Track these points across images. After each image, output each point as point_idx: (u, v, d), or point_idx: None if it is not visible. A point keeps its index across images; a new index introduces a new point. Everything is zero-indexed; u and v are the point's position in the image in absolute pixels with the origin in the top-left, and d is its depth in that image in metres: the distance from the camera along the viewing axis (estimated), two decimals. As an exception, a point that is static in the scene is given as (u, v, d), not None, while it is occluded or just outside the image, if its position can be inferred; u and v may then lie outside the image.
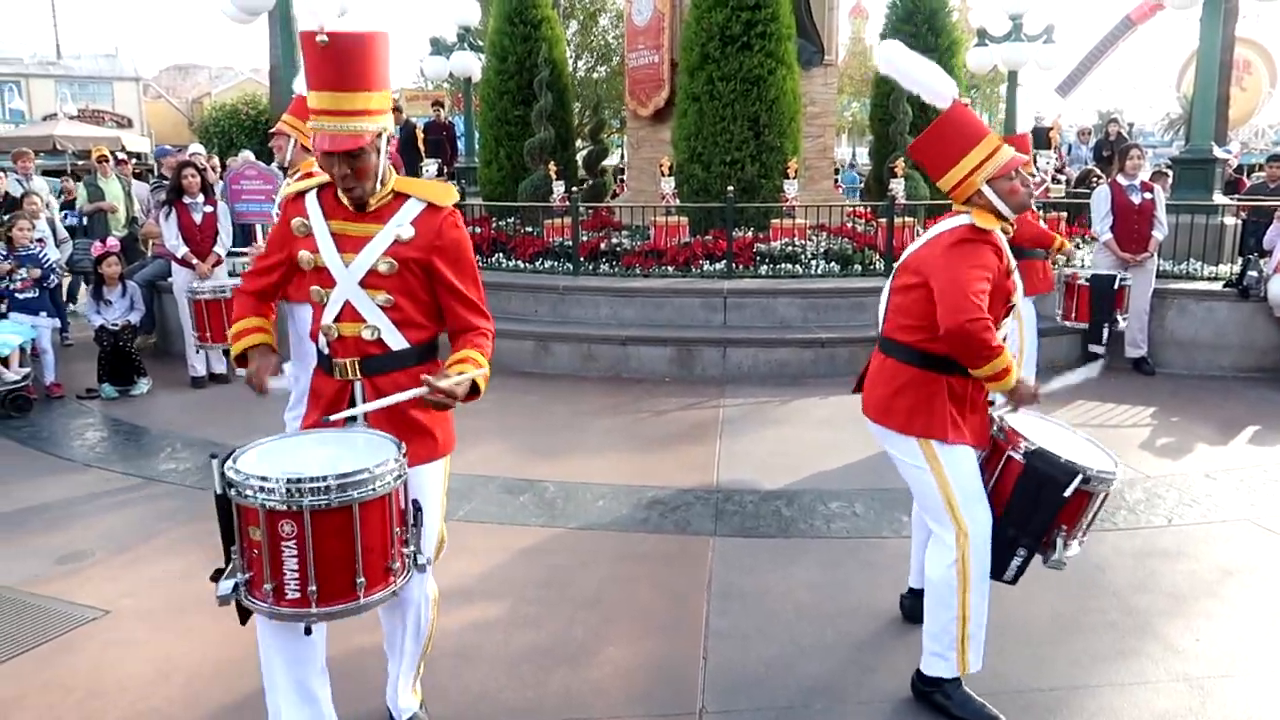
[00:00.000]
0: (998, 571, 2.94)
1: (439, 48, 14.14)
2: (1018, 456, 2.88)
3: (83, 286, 10.09)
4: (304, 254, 2.45)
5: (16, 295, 7.04)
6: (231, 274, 7.69)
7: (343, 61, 2.27)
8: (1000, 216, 2.90)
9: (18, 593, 3.81)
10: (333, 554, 2.14)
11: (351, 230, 2.44)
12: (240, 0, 8.77)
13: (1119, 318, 7.11)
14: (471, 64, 13.71)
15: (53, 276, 7.40)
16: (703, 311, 7.95)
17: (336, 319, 2.46)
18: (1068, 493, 2.78)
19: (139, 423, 6.40)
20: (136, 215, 10.38)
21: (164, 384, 7.32)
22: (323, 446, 2.35)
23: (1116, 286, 7.02)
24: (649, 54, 10.67)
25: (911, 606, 3.49)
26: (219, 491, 2.18)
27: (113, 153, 11.73)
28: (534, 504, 4.77)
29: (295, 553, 2.12)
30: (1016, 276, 2.98)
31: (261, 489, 2.11)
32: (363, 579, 2.17)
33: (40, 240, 7.75)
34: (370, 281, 2.41)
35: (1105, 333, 7.12)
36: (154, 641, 3.42)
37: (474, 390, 2.39)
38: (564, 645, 3.38)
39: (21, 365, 6.67)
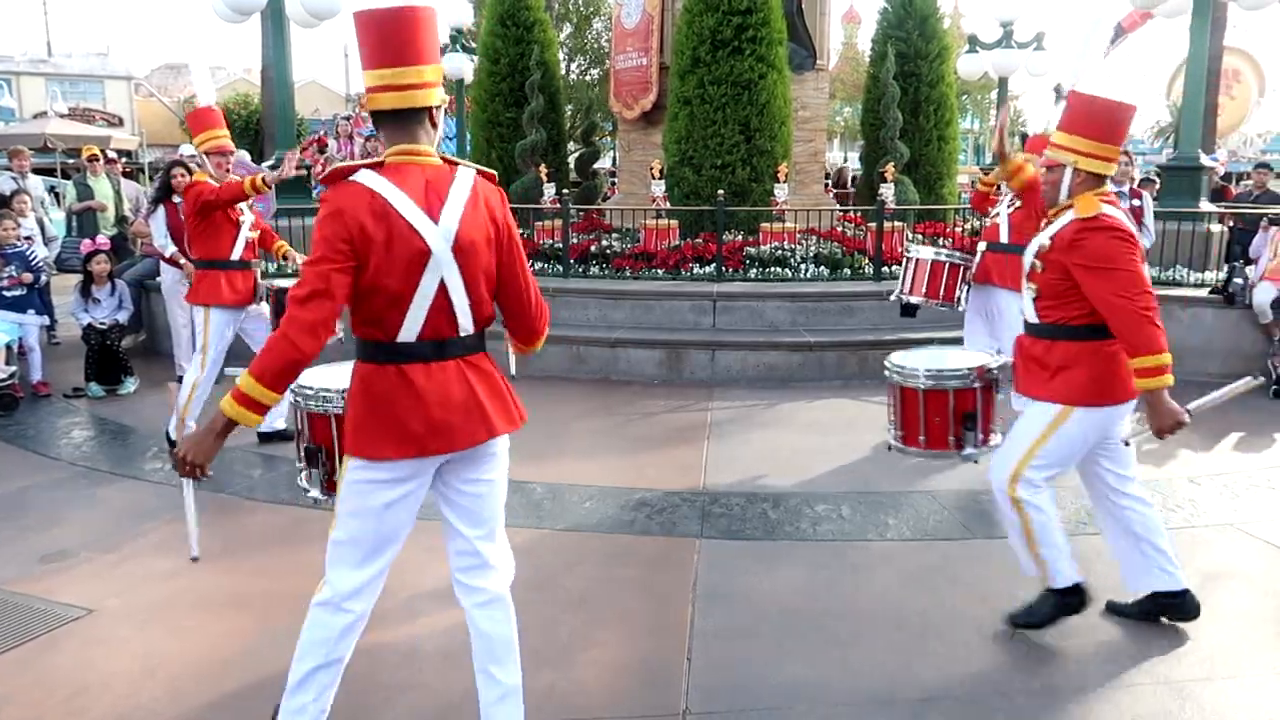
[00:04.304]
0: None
1: (431, 49, 14.13)
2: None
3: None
4: None
5: (4, 293, 7.01)
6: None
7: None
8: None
9: (1, 591, 3.80)
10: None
11: None
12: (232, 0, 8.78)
13: None
14: (464, 66, 13.73)
15: (41, 275, 7.37)
16: (692, 314, 7.97)
17: None
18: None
19: (125, 422, 6.38)
20: (126, 214, 10.35)
21: (151, 383, 7.28)
22: None
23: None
24: (637, 56, 10.69)
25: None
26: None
27: (103, 151, 11.69)
28: (521, 505, 4.77)
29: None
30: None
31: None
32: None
33: (28, 238, 7.74)
34: None
35: None
36: (138, 640, 3.41)
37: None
38: (550, 645, 3.39)
39: (8, 363, 6.64)
